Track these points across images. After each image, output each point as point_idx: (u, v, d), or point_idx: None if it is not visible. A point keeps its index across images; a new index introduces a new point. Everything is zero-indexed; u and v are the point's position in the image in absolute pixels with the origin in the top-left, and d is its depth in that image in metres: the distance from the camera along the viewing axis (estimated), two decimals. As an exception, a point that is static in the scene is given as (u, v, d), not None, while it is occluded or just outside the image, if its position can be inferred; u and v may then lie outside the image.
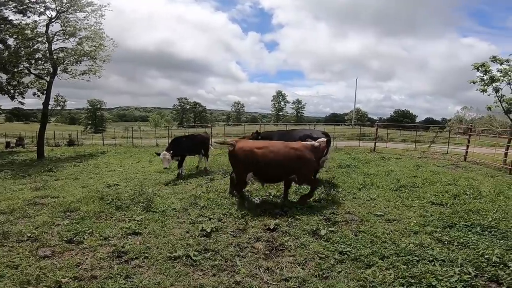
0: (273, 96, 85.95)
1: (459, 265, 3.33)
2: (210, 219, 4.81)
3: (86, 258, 3.59)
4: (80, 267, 3.40)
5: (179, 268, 3.40)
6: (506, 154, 10.72)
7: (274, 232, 4.35)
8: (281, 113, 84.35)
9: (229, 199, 5.80)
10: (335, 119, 76.53)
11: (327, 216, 4.95)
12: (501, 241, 3.98)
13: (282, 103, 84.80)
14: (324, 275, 3.24)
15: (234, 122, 75.76)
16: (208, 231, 4.28)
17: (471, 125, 24.40)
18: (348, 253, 3.68)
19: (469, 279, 3.06)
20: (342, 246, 3.86)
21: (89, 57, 15.50)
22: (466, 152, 12.49)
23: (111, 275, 3.23)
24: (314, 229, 4.39)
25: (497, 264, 3.34)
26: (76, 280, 3.12)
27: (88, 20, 15.31)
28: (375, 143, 15.12)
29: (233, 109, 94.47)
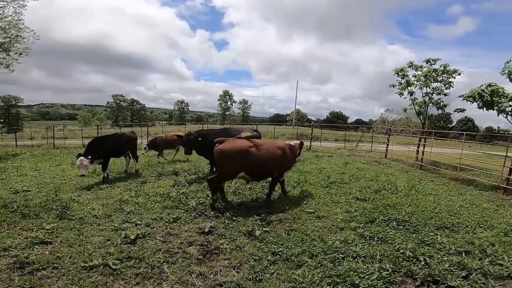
0: (219, 96, 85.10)
1: (378, 261, 3.57)
2: (136, 225, 4.43)
3: (-23, 272, 3.02)
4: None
5: (96, 278, 3.09)
6: (417, 152, 12.39)
7: (209, 235, 4.21)
8: (227, 113, 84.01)
9: (160, 202, 5.44)
10: (278, 119, 79.20)
11: (262, 216, 4.98)
12: (413, 235, 4.41)
13: (229, 102, 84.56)
14: (258, 278, 3.22)
15: (177, 121, 72.76)
16: (133, 238, 3.93)
17: (393, 126, 27.71)
18: (280, 253, 3.72)
19: (388, 276, 3.29)
20: (275, 246, 3.89)
21: (1, 49, 13.35)
22: (386, 150, 14.11)
23: (10, 287, 2.87)
24: (250, 230, 4.37)
25: (411, 259, 3.66)
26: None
27: (5, 10, 13.22)
28: (310, 142, 16.11)
29: (176, 107, 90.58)
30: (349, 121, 79.36)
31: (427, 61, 13.12)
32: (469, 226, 4.90)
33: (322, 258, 3.63)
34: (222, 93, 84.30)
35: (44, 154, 13.79)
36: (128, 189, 6.50)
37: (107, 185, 6.90)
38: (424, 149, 11.90)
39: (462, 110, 12.42)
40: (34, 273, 3.17)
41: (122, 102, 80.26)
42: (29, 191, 6.46)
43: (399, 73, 13.66)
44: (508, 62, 8.73)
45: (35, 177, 8.16)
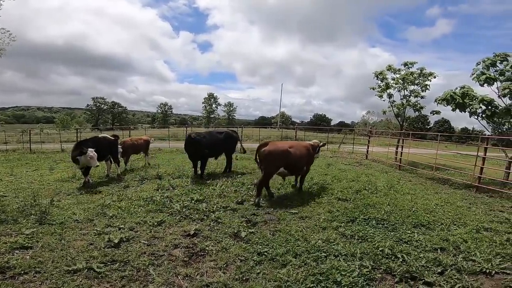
0: (204, 99, 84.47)
1: (359, 259, 3.71)
2: (120, 229, 4.39)
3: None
4: None
5: (80, 281, 3.08)
6: (396, 153, 12.85)
7: (195, 238, 4.23)
8: (212, 116, 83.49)
9: (144, 206, 5.39)
10: (263, 122, 79.58)
11: (248, 217, 5.04)
12: (392, 233, 4.61)
13: (214, 105, 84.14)
14: (244, 278, 3.27)
15: (160, 124, 71.51)
16: (116, 241, 3.91)
17: (374, 128, 28.55)
18: (266, 253, 3.80)
19: (368, 273, 3.43)
20: (261, 247, 3.96)
21: None
22: (367, 151, 14.53)
23: None
24: (236, 231, 4.42)
25: (390, 256, 3.82)
26: None
27: None
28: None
29: (159, 110, 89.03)
30: (332, 123, 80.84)
31: (405, 64, 13.67)
32: (444, 224, 5.15)
33: (305, 257, 3.73)
34: (207, 96, 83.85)
35: (20, 159, 13.22)
36: (110, 193, 6.38)
37: (88, 190, 6.73)
38: (402, 150, 12.35)
39: (437, 112, 13.00)
40: (16, 278, 3.15)
41: (102, 105, 78.07)
42: (5, 196, 6.20)
43: (379, 76, 14.14)
44: (478, 64, 9.21)
45: (11, 182, 7.83)
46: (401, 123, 14.48)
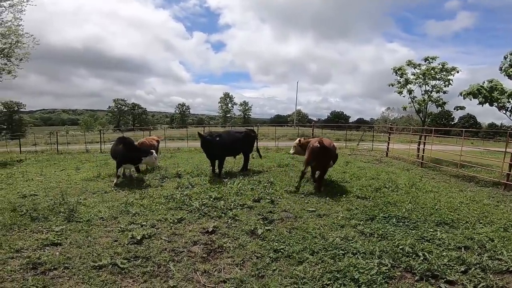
0: (220, 98, 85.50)
1: (377, 257, 3.65)
2: (142, 226, 4.55)
3: (-6, 272, 3.17)
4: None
5: (105, 277, 3.22)
6: (418, 150, 12.44)
7: (213, 235, 4.32)
8: (228, 115, 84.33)
9: (164, 204, 5.57)
10: (279, 120, 79.24)
11: (264, 215, 5.09)
12: (413, 231, 4.50)
13: (230, 105, 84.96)
14: (260, 274, 3.31)
15: (178, 125, 73.00)
16: (139, 238, 4.07)
17: (394, 124, 27.75)
18: (282, 250, 3.81)
19: (387, 271, 3.37)
20: (277, 244, 3.99)
21: (1, 55, 13.50)
22: (387, 148, 14.16)
23: (25, 286, 3.01)
24: (252, 228, 4.48)
25: (410, 254, 3.74)
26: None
27: (4, 16, 13.39)
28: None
29: (177, 111, 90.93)
30: (350, 120, 79.17)
31: (426, 59, 13.19)
32: (469, 222, 4.97)
33: (322, 254, 3.72)
34: (223, 96, 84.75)
35: (49, 160, 13.97)
36: (133, 192, 6.63)
37: (113, 189, 7.02)
38: (425, 147, 11.95)
39: (462, 108, 12.47)
40: (46, 273, 3.30)
41: (123, 107, 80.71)
42: (36, 195, 6.60)
43: (398, 72, 13.73)
44: (506, 58, 8.78)
45: (41, 181, 8.31)
46: (422, 119, 14.00)
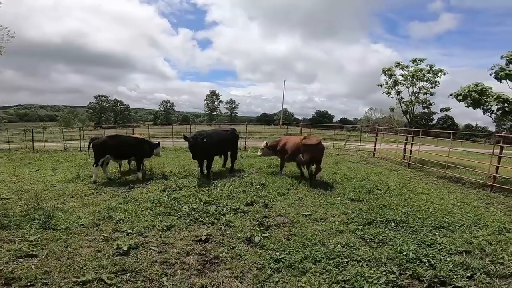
0: (206, 96, 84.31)
1: (383, 265, 3.51)
2: (128, 234, 4.17)
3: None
4: None
5: None
6: (405, 150, 12.58)
7: (207, 243, 4.02)
8: (214, 113, 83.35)
9: (151, 209, 5.19)
10: (265, 119, 79.09)
11: (260, 220, 4.84)
12: (413, 236, 4.40)
13: (216, 102, 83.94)
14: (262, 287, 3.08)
15: (162, 122, 71.41)
16: (126, 248, 3.70)
17: (377, 124, 28.21)
18: (283, 260, 3.59)
19: (395, 279, 3.24)
20: (277, 253, 3.76)
21: None
22: (374, 148, 14.27)
23: None
24: (248, 236, 4.22)
25: (415, 260, 3.63)
26: None
27: None
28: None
29: (161, 108, 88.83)
30: (334, 120, 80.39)
31: (414, 61, 13.38)
32: (464, 225, 4.97)
33: (326, 263, 3.53)
34: (209, 93, 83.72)
35: (23, 158, 13.07)
36: (116, 195, 6.18)
37: (93, 191, 6.53)
38: (412, 147, 12.09)
39: (448, 109, 12.73)
40: (22, 290, 2.89)
41: (104, 103, 78.00)
42: (7, 198, 6.01)
43: (387, 73, 13.86)
44: (502, 58, 8.92)
45: (14, 183, 7.66)
46: (409, 120, 14.21)
